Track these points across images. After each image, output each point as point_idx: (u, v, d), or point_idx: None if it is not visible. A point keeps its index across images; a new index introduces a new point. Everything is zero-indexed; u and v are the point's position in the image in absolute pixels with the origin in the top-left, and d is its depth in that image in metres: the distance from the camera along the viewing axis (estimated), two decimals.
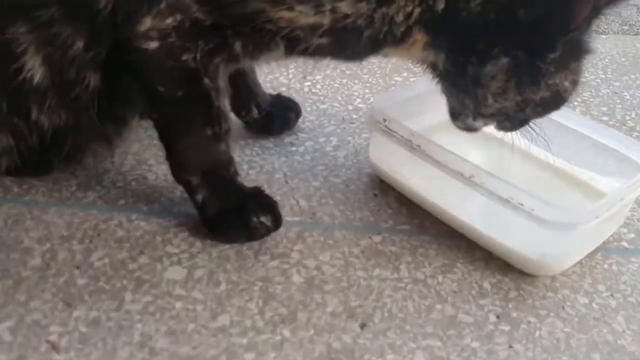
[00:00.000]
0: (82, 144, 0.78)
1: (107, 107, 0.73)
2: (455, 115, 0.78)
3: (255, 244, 0.76)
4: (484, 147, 0.88)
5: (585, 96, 1.14)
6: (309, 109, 1.06)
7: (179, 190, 0.80)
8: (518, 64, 0.67)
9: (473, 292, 0.72)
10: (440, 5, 0.63)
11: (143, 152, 0.91)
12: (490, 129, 0.81)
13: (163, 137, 0.73)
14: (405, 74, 1.18)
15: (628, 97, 1.17)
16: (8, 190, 0.82)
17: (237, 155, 0.92)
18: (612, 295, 0.73)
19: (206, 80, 0.67)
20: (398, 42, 0.67)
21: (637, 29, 1.91)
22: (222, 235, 0.75)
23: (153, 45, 0.63)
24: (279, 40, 0.65)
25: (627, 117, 1.10)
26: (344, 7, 0.62)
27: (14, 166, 0.79)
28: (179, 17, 0.62)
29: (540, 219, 0.67)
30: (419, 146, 0.77)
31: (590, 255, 0.78)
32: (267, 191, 0.84)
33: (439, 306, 0.69)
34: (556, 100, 0.71)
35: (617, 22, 1.92)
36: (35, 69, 0.67)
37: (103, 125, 0.75)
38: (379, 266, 0.74)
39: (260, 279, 0.71)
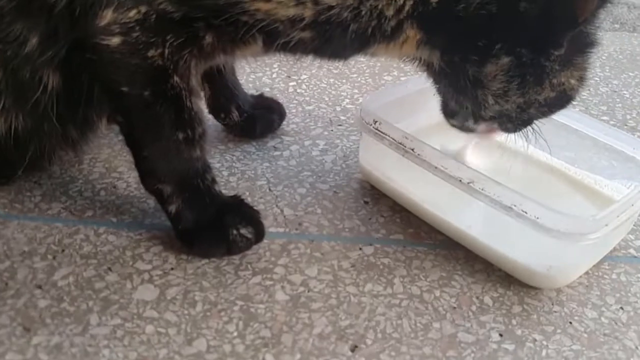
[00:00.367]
0: (46, 150, 0.72)
1: (70, 110, 0.66)
2: (449, 113, 0.72)
3: (235, 259, 0.69)
4: (481, 149, 0.83)
5: (584, 95, 1.09)
6: (293, 110, 1.00)
7: (151, 200, 0.74)
8: (521, 63, 0.61)
9: (473, 307, 0.66)
10: None
11: (113, 159, 0.84)
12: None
13: (130, 143, 0.66)
14: (395, 73, 1.12)
15: (628, 95, 1.12)
16: None
17: (216, 160, 0.86)
18: (622, 308, 0.67)
19: (176, 79, 0.60)
20: (388, 39, 0.61)
21: (629, 27, 1.87)
22: (198, 249, 0.69)
23: (115, 41, 0.57)
24: (256, 33, 0.59)
25: (628, 117, 1.05)
26: None
27: None
28: (143, 9, 0.56)
29: (546, 228, 0.62)
30: (413, 150, 0.72)
31: (597, 265, 0.72)
32: (249, 200, 0.79)
33: (436, 324, 0.63)
34: (562, 99, 0.66)
35: (608, 20, 1.89)
36: None
37: (66, 130, 0.68)
38: (371, 280, 0.68)
39: (240, 298, 0.64)
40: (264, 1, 0.56)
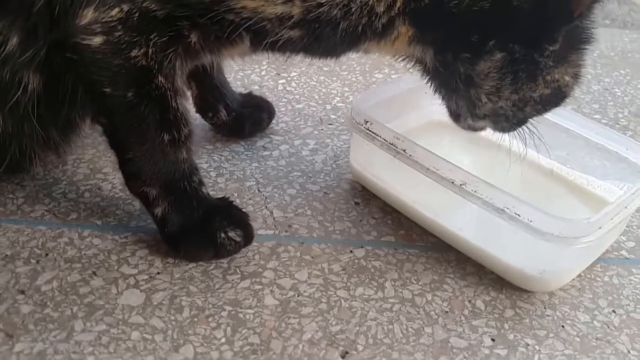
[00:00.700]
0: (27, 152, 0.69)
1: (51, 111, 0.64)
2: (456, 116, 0.71)
3: (224, 262, 0.68)
4: (473, 150, 0.82)
5: (576, 93, 1.07)
6: (283, 109, 0.98)
7: (137, 202, 0.72)
8: (514, 59, 0.60)
9: (465, 311, 0.65)
10: None
11: (98, 160, 0.82)
12: None
13: (113, 145, 0.65)
14: (386, 71, 1.11)
15: (619, 93, 1.12)
16: None
17: (204, 161, 0.84)
18: (614, 311, 0.67)
19: (160, 79, 0.58)
20: (379, 36, 0.60)
21: (619, 23, 1.87)
22: (185, 253, 0.67)
23: (97, 40, 0.55)
24: (242, 32, 0.57)
25: (620, 115, 1.04)
26: None
27: None
28: (125, 7, 0.54)
29: (540, 231, 0.61)
30: (405, 150, 0.70)
31: (589, 267, 0.71)
32: (238, 201, 0.77)
33: (428, 329, 0.62)
34: (557, 97, 0.65)
35: (599, 16, 1.89)
36: None
37: (47, 132, 0.66)
38: (362, 284, 0.67)
39: (228, 303, 0.63)
40: None
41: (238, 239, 0.67)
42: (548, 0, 0.57)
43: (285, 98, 1.01)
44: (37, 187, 0.77)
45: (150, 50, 0.56)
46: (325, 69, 1.09)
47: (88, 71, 0.57)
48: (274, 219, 0.76)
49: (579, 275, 0.70)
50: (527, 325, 0.64)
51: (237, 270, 0.67)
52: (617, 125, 1.01)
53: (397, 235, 0.74)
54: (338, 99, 1.02)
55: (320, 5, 0.55)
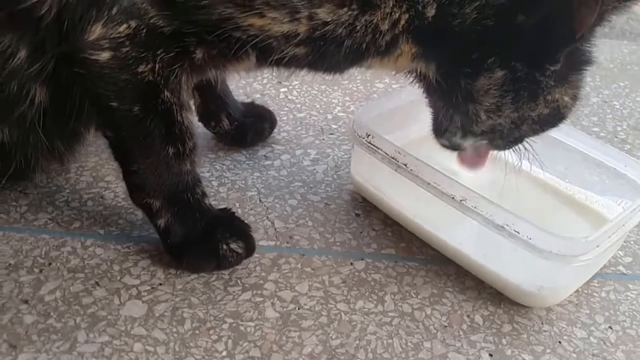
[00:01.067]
0: (31, 161, 0.70)
1: (57, 123, 0.65)
2: (440, 131, 0.71)
3: (225, 274, 0.68)
4: None
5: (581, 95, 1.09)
6: (284, 118, 0.99)
7: (140, 211, 0.72)
8: (515, 77, 0.61)
9: (464, 326, 0.65)
10: (431, 12, 0.57)
11: (101, 167, 0.83)
12: None
13: (118, 157, 0.65)
14: (387, 80, 1.11)
15: (618, 106, 1.12)
16: None
17: (206, 170, 0.85)
18: (610, 327, 0.67)
19: (167, 94, 0.59)
20: (383, 54, 0.61)
21: (618, 31, 1.87)
22: (187, 264, 0.68)
23: (104, 56, 0.55)
24: (249, 49, 0.58)
25: (619, 129, 1.05)
26: (323, 14, 0.55)
27: None
28: (133, 24, 0.54)
29: (538, 248, 0.62)
30: (406, 165, 0.71)
31: (587, 282, 0.72)
32: (239, 212, 0.78)
33: (427, 344, 0.63)
34: (555, 117, 0.65)
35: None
36: None
37: (52, 142, 0.67)
38: (362, 297, 0.67)
39: (230, 315, 0.64)
40: (257, 17, 0.55)
41: (240, 250, 0.68)
42: (551, 20, 0.57)
43: (287, 107, 1.02)
44: (40, 195, 0.78)
45: (157, 66, 0.57)
46: (326, 78, 1.09)
47: (95, 85, 0.58)
48: (275, 229, 0.76)
49: (577, 291, 0.71)
50: (525, 340, 0.65)
51: (239, 282, 0.68)
52: (615, 139, 1.02)
53: (398, 248, 0.75)
54: (339, 108, 1.03)
55: (326, 24, 0.55)
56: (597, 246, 0.62)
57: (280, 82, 1.07)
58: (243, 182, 0.84)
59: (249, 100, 1.00)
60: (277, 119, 0.95)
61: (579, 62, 0.64)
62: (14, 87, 0.59)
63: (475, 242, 0.70)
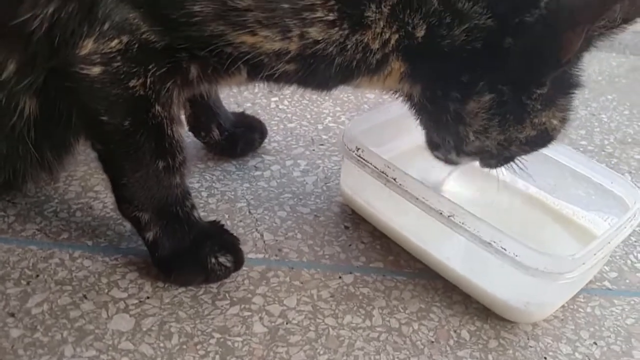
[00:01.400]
0: (21, 172, 0.69)
1: (46, 134, 0.64)
2: (434, 145, 0.72)
3: (213, 287, 0.68)
4: (463, 176, 0.83)
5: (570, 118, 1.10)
6: (275, 127, 0.99)
7: (128, 222, 0.72)
8: (502, 101, 0.61)
9: (451, 341, 0.66)
10: (421, 33, 0.57)
11: (90, 177, 0.83)
12: None
13: (107, 170, 0.65)
14: (377, 91, 1.12)
15: (606, 119, 1.14)
16: None
17: (195, 180, 0.85)
18: (595, 343, 0.68)
19: (157, 108, 0.59)
20: (373, 72, 0.61)
21: (607, 44, 1.89)
22: (175, 277, 0.68)
23: (95, 70, 0.55)
24: (240, 65, 0.58)
25: (606, 142, 1.06)
26: (314, 33, 0.55)
27: None
28: (125, 39, 0.54)
29: (525, 265, 0.62)
30: (395, 179, 0.71)
31: (573, 298, 0.73)
32: (229, 223, 0.78)
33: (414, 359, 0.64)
34: (543, 139, 0.66)
35: None
36: None
37: (42, 153, 0.66)
38: (350, 312, 0.68)
39: (217, 330, 0.64)
40: (249, 34, 0.55)
41: (228, 264, 0.68)
42: (537, 45, 0.58)
43: (278, 117, 1.02)
44: (28, 205, 0.77)
45: (148, 81, 0.57)
46: (314, 94, 1.10)
47: (85, 99, 0.58)
48: (264, 242, 0.76)
49: (563, 306, 0.72)
50: (511, 356, 0.65)
51: (227, 295, 0.68)
52: (602, 152, 1.03)
53: (386, 261, 0.75)
54: (330, 118, 1.03)
55: (317, 42, 0.56)
56: (583, 264, 0.63)
57: (271, 92, 1.07)
58: (233, 193, 0.84)
59: (240, 109, 1.00)
60: (268, 128, 0.96)
61: (568, 85, 0.64)
62: (2, 99, 0.59)
63: (462, 257, 0.70)
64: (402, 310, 0.69)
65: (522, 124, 0.63)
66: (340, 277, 0.72)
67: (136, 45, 0.55)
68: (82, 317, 0.64)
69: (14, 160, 0.66)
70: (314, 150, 0.95)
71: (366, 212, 0.80)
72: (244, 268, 0.70)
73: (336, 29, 0.55)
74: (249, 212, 0.81)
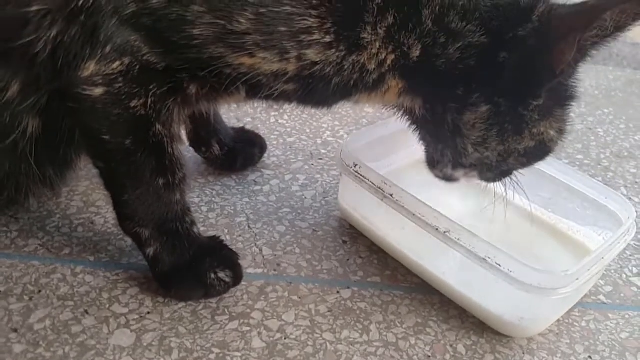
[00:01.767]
0: (24, 189, 0.70)
1: (49, 152, 0.66)
2: (434, 163, 0.73)
3: (213, 302, 0.69)
4: (459, 190, 0.84)
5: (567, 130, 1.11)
6: (275, 142, 1.00)
7: (129, 238, 0.73)
8: (499, 112, 0.62)
9: (447, 356, 0.67)
10: (416, 52, 0.59)
11: (92, 192, 0.84)
12: None
13: (109, 187, 0.66)
14: (377, 106, 1.13)
15: (602, 133, 1.15)
16: None
17: (196, 195, 0.86)
18: (590, 357, 0.69)
19: (158, 127, 0.60)
20: (370, 90, 0.63)
21: (605, 56, 1.90)
22: (175, 292, 0.69)
23: (97, 91, 0.57)
24: (239, 85, 0.60)
25: (602, 156, 1.07)
26: (312, 55, 0.56)
27: None
28: (127, 60, 0.56)
29: (519, 281, 0.63)
30: (392, 195, 0.72)
31: (568, 312, 0.74)
32: (228, 238, 0.79)
33: None
34: (541, 151, 0.67)
35: None
36: None
37: (44, 171, 0.67)
38: (348, 327, 0.69)
39: (217, 345, 0.65)
40: (248, 56, 0.57)
41: (227, 279, 0.69)
42: (532, 57, 0.59)
43: (277, 131, 1.03)
44: (31, 220, 0.79)
45: (149, 100, 0.58)
46: (314, 111, 1.11)
47: (87, 119, 0.59)
48: (263, 257, 0.77)
49: (558, 320, 0.73)
50: None
51: (226, 310, 0.69)
52: (598, 166, 1.04)
53: (383, 276, 0.76)
54: (329, 133, 1.05)
55: (315, 64, 0.57)
56: (577, 279, 0.64)
57: (271, 107, 1.08)
58: (232, 207, 0.85)
59: (240, 124, 1.01)
60: (268, 143, 0.97)
61: (564, 97, 0.65)
62: (6, 118, 0.60)
63: (458, 273, 0.71)
64: (399, 325, 0.70)
65: (521, 135, 0.64)
66: (338, 292, 0.73)
67: (137, 67, 0.57)
68: (84, 333, 0.65)
69: (16, 177, 0.67)
70: (312, 164, 0.96)
71: (364, 227, 0.81)
72: (243, 283, 0.71)
73: (333, 50, 0.57)
74: (248, 226, 0.82)
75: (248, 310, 0.69)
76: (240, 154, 0.91)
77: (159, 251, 0.68)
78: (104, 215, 0.80)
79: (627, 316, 0.75)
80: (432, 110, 0.65)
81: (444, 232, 0.68)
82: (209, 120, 0.87)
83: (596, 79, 1.36)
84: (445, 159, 0.70)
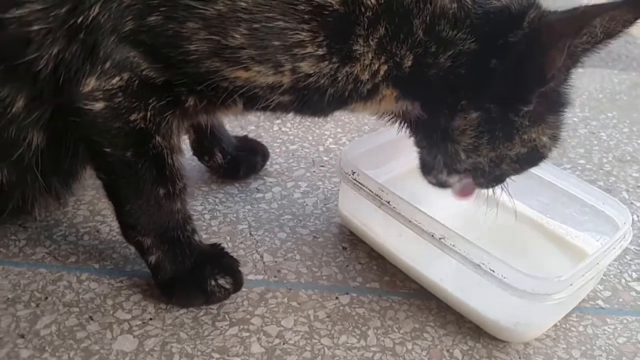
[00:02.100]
0: (30, 199, 0.73)
1: (54, 164, 0.68)
2: (427, 170, 0.74)
3: (214, 309, 0.71)
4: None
5: (562, 136, 1.12)
6: (277, 150, 1.02)
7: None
8: (490, 118, 0.63)
9: None
10: (408, 62, 0.60)
11: (97, 201, 0.86)
12: None
13: (111, 197, 0.68)
14: (373, 114, 1.14)
15: (605, 137, 1.15)
16: None
17: (199, 203, 0.88)
18: None
19: (158, 139, 0.62)
20: (365, 99, 0.64)
21: (614, 57, 1.89)
22: (177, 299, 0.71)
23: (98, 106, 0.59)
24: (236, 98, 0.61)
25: (604, 160, 1.08)
26: (306, 67, 0.58)
27: None
28: (126, 76, 0.58)
29: (512, 287, 0.64)
30: (389, 202, 0.74)
31: (565, 316, 0.74)
32: (230, 245, 0.81)
33: None
34: (534, 157, 0.67)
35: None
36: None
37: (50, 182, 0.70)
38: (346, 332, 0.70)
39: (217, 350, 0.66)
40: (243, 70, 0.58)
41: (228, 286, 0.71)
42: (521, 63, 0.60)
43: (280, 139, 1.05)
44: (38, 229, 0.81)
45: (148, 114, 0.60)
46: (310, 120, 1.12)
47: (89, 133, 0.61)
48: (264, 263, 0.79)
49: (555, 325, 0.73)
50: None
51: (226, 316, 0.70)
52: (600, 171, 1.05)
53: (382, 282, 0.77)
54: (331, 140, 1.06)
55: (309, 76, 0.59)
56: (571, 285, 0.65)
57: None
58: (235, 215, 0.87)
59: (243, 132, 1.03)
60: (270, 150, 0.99)
61: (557, 103, 0.66)
62: (12, 132, 0.62)
63: (454, 278, 0.72)
64: (396, 330, 0.71)
65: (511, 141, 0.65)
66: (337, 298, 0.75)
67: (136, 82, 0.58)
68: (88, 338, 0.66)
69: (22, 188, 0.70)
70: (314, 171, 0.98)
71: (363, 234, 0.82)
72: (243, 289, 0.73)
73: (326, 62, 0.58)
74: (250, 233, 0.84)
75: (248, 316, 0.71)
76: (242, 162, 0.93)
77: (161, 259, 0.70)
78: (109, 223, 0.83)
79: (625, 321, 0.75)
80: (426, 116, 0.66)
81: (440, 239, 0.69)
82: (212, 130, 0.89)
83: (600, 83, 1.36)
84: (440, 165, 0.71)
